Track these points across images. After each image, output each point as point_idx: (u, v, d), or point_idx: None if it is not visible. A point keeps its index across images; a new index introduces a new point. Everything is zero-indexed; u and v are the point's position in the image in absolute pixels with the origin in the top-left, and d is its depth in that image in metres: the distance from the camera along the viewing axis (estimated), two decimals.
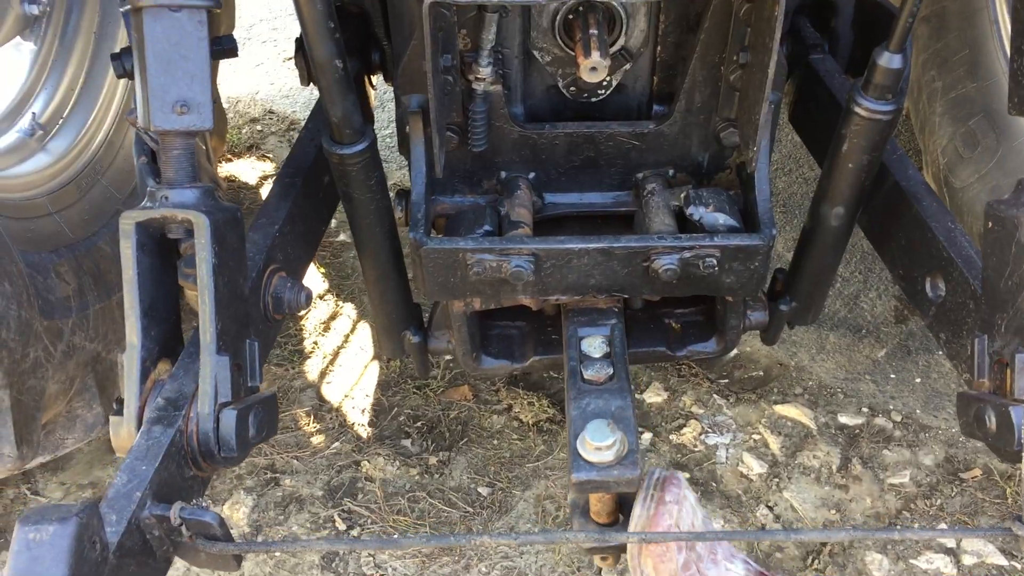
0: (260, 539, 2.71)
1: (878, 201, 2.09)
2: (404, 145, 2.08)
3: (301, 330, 3.34)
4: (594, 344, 1.88)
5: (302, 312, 2.55)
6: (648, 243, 1.89)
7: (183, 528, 1.41)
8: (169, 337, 1.67)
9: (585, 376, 1.78)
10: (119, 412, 1.58)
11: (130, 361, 1.57)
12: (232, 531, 2.70)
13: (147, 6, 1.54)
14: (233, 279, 1.66)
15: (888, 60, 1.66)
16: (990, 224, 1.63)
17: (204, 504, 1.48)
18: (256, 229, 1.99)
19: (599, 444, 1.59)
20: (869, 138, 1.77)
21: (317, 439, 2.99)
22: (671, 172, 2.08)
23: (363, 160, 1.85)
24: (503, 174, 2.08)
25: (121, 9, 1.62)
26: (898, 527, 2.67)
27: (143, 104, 1.57)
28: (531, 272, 1.88)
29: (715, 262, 1.89)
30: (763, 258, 1.92)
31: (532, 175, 2.08)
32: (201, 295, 1.55)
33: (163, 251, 1.64)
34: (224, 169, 4.10)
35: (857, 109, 1.74)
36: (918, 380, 3.11)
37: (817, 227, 1.99)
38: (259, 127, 4.40)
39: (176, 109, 1.56)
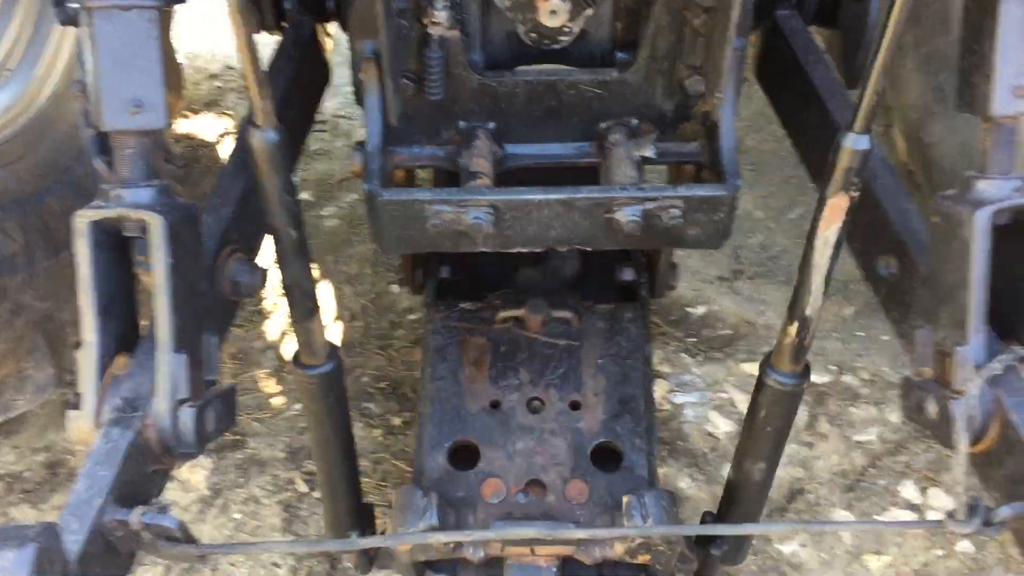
0: (219, 502, 2.66)
1: (832, 162, 2.07)
2: (359, 94, 2.00)
3: (259, 292, 3.27)
4: None
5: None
6: (610, 194, 1.83)
7: (145, 531, 1.41)
8: (126, 331, 1.64)
9: None
10: (76, 406, 1.55)
11: (87, 358, 1.54)
12: (191, 494, 2.66)
13: (98, 7, 1.50)
14: (190, 276, 1.62)
15: None
16: (936, 218, 1.63)
17: (165, 504, 1.45)
18: (210, 210, 1.93)
19: None
20: (784, 408, 1.79)
21: (278, 400, 2.93)
22: (635, 122, 2.02)
23: (325, 381, 1.82)
24: (462, 124, 2.00)
25: (70, 4, 1.57)
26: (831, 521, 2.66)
27: (95, 103, 1.54)
28: (490, 224, 1.82)
29: (679, 213, 1.84)
30: (728, 209, 1.87)
31: (492, 125, 2.01)
32: (157, 294, 1.53)
33: (118, 248, 1.60)
34: (182, 126, 3.99)
35: (769, 383, 1.75)
36: (885, 338, 3.10)
37: (742, 481, 1.98)
38: (218, 83, 4.29)
39: (129, 109, 1.54)
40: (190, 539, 1.45)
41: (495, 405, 2.15)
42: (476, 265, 2.58)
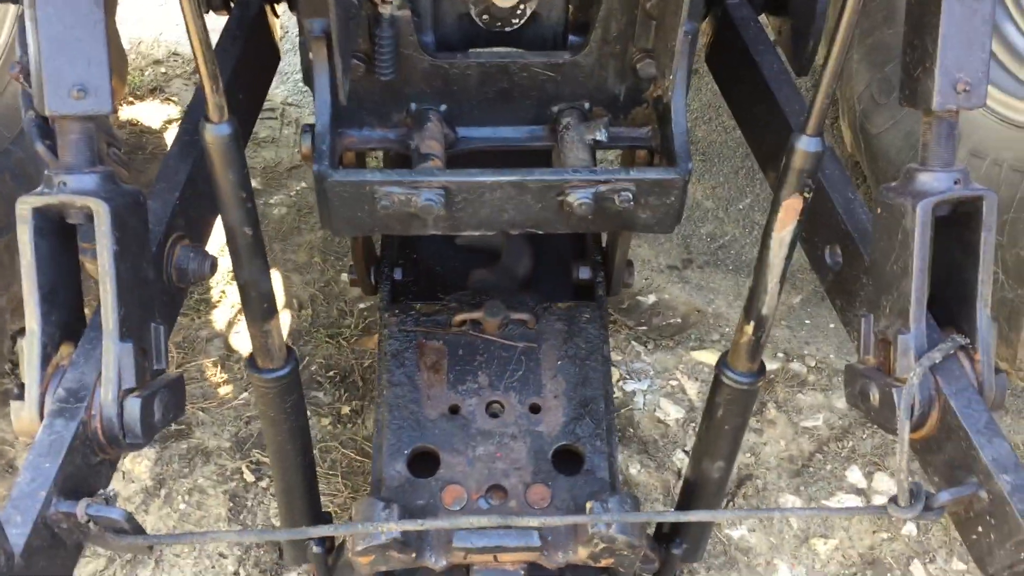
0: (163, 493, 2.60)
1: (785, 164, 2.09)
2: (308, 74, 1.97)
3: (207, 280, 3.21)
4: None
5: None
6: (562, 176, 1.82)
7: (91, 524, 1.39)
8: (71, 320, 1.61)
9: None
10: (20, 397, 1.52)
11: (30, 347, 1.51)
12: (133, 484, 2.60)
13: None
14: (136, 264, 1.59)
15: None
16: (879, 210, 1.66)
17: (111, 496, 1.43)
18: (155, 196, 1.88)
19: None
20: (741, 406, 1.82)
21: (224, 390, 2.88)
22: (587, 106, 2.01)
23: (282, 385, 1.80)
24: (413, 106, 1.98)
25: None
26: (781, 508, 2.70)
27: (38, 87, 1.50)
28: (442, 206, 1.80)
29: (631, 196, 1.83)
30: (679, 192, 1.87)
31: (444, 107, 1.98)
32: (102, 282, 1.50)
33: (62, 235, 1.57)
34: (126, 113, 3.90)
35: (726, 381, 1.78)
36: (832, 326, 3.14)
37: (699, 480, 2.01)
38: (163, 69, 4.19)
39: (73, 93, 1.50)
40: (138, 530, 1.43)
41: (454, 410, 2.13)
42: (430, 266, 2.56)
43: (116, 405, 1.48)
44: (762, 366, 1.76)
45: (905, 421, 1.47)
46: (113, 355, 1.49)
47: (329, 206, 1.83)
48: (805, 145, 1.52)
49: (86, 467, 1.47)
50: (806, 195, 1.55)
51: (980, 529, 1.48)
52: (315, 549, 2.09)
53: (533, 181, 1.82)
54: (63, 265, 1.57)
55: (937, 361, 1.52)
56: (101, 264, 1.49)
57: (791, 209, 1.56)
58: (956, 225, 1.62)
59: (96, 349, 1.52)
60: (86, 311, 1.64)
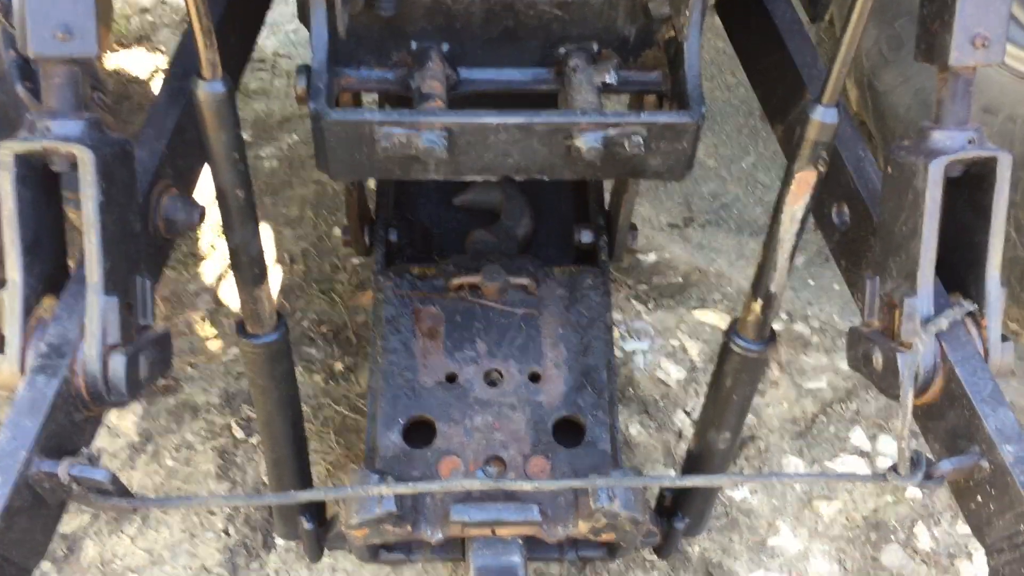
0: (150, 448, 2.53)
1: (793, 117, 2.01)
2: (304, 10, 1.87)
3: (195, 230, 3.12)
4: None
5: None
6: (571, 119, 1.74)
7: (74, 484, 1.34)
8: (53, 272, 1.55)
9: None
10: (0, 350, 1.47)
11: (11, 299, 1.46)
12: (119, 439, 2.53)
13: None
14: (122, 216, 1.52)
15: None
16: (889, 169, 1.61)
17: (94, 455, 1.38)
18: (142, 144, 1.80)
19: None
20: (750, 374, 1.74)
21: (213, 345, 2.80)
22: (595, 47, 1.92)
23: (272, 352, 1.71)
24: (414, 44, 1.89)
25: None
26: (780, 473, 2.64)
27: (21, 26, 1.43)
28: (444, 148, 1.72)
29: (641, 141, 1.75)
30: (692, 137, 1.79)
31: (446, 47, 1.89)
32: (86, 234, 1.44)
33: (46, 183, 1.51)
34: (112, 61, 3.78)
35: (735, 349, 1.69)
36: (836, 287, 3.07)
37: (704, 451, 1.92)
38: (150, 17, 4.07)
39: (58, 35, 1.43)
40: (123, 492, 1.38)
41: (451, 379, 2.05)
42: (426, 227, 2.47)
43: (100, 361, 1.43)
44: (772, 333, 1.69)
45: (908, 388, 1.42)
46: (97, 309, 1.43)
47: (326, 147, 1.75)
48: (821, 116, 1.43)
49: (69, 425, 1.42)
50: (820, 168, 1.47)
51: (980, 499, 1.44)
52: (306, 525, 2.02)
53: (540, 123, 1.73)
54: (46, 215, 1.52)
55: (944, 328, 1.47)
56: (85, 214, 1.43)
57: (804, 182, 1.48)
58: (968, 186, 1.57)
59: (80, 303, 1.46)
60: (70, 264, 1.58)
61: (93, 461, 1.36)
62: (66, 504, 1.43)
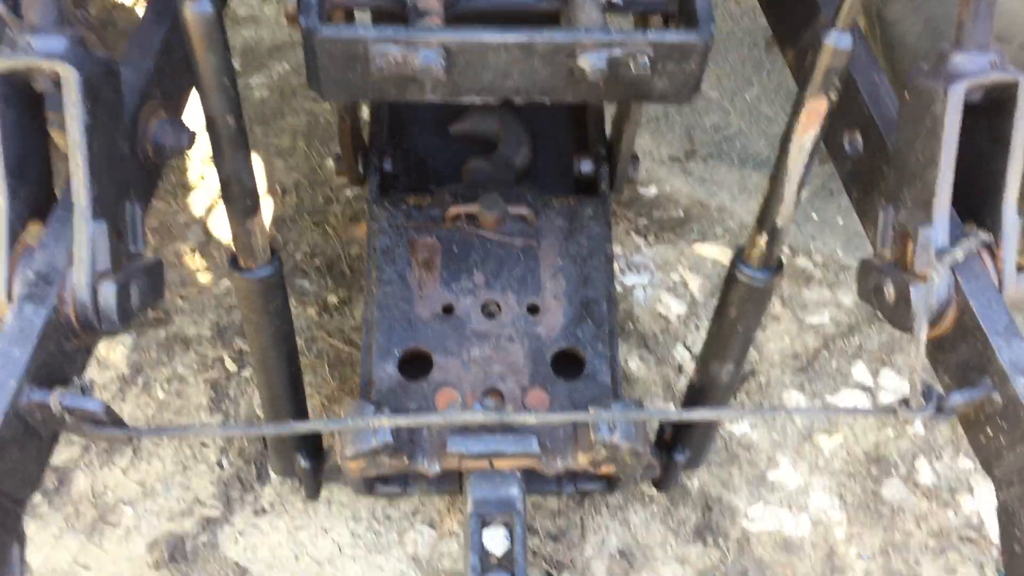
0: (141, 380, 2.49)
1: (805, 43, 1.93)
2: None
3: (184, 161, 3.04)
4: (496, 538, 1.81)
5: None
6: (574, 37, 1.66)
7: (66, 414, 1.31)
8: (39, 197, 1.49)
9: None
10: None
11: None
12: (109, 371, 2.49)
13: None
14: (109, 138, 1.46)
15: None
16: (906, 93, 1.54)
17: (86, 385, 1.34)
18: (127, 64, 1.72)
19: None
20: (755, 304, 1.67)
21: (204, 277, 2.74)
22: None
23: (265, 286, 1.64)
24: None
25: None
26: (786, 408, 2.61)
27: None
28: (442, 68, 1.64)
29: (647, 61, 1.68)
30: (700, 58, 1.71)
31: None
32: (72, 156, 1.38)
33: (29, 103, 1.44)
34: None
35: (741, 278, 1.63)
36: (840, 221, 3.02)
37: (707, 383, 1.86)
38: None
39: None
40: (116, 422, 1.34)
41: (448, 310, 2.00)
42: (421, 156, 2.40)
43: (90, 289, 1.38)
44: (779, 262, 1.64)
45: (923, 320, 1.38)
46: (86, 235, 1.38)
47: (318, 66, 1.67)
48: (835, 41, 1.35)
49: (59, 355, 1.38)
50: (832, 96, 1.40)
51: (990, 432, 1.41)
52: (303, 463, 1.98)
53: (542, 42, 1.66)
54: (30, 136, 1.45)
55: (959, 259, 1.43)
56: (70, 135, 1.37)
57: (815, 112, 1.41)
58: (987, 112, 1.51)
59: (67, 229, 1.41)
60: (57, 193, 1.52)
61: (85, 391, 1.32)
62: (59, 435, 1.41)
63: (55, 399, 1.29)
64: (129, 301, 1.44)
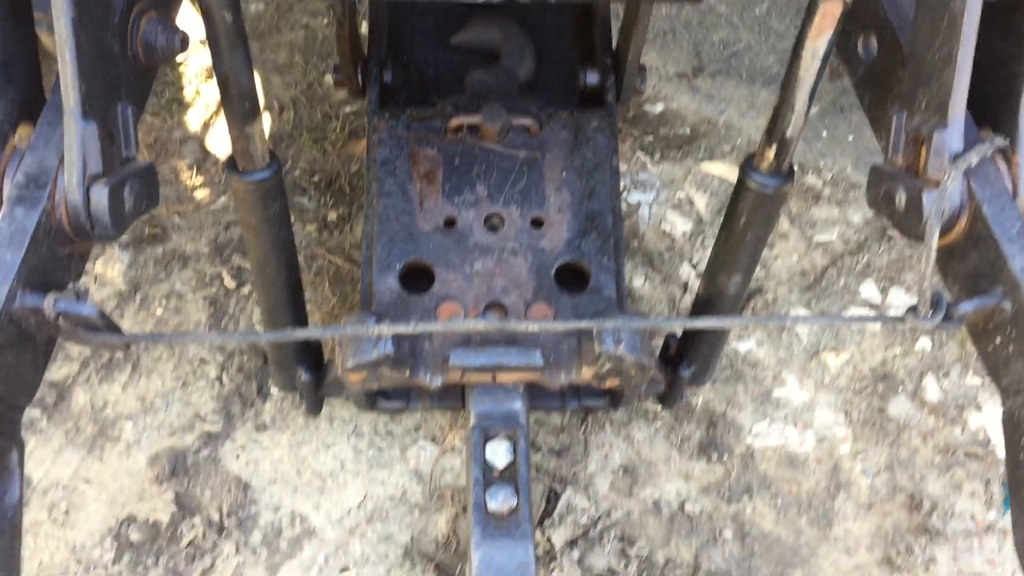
0: (138, 297, 2.45)
1: None
2: None
3: (179, 77, 2.96)
4: (499, 451, 1.79)
5: (179, 57, 2.25)
6: None
7: (61, 320, 1.29)
8: (27, 96, 1.46)
9: (490, 508, 1.72)
10: None
11: None
12: (106, 288, 2.45)
13: None
14: (98, 36, 1.41)
15: None
16: None
17: (81, 291, 1.31)
18: None
19: None
20: (766, 212, 1.61)
21: (201, 193, 2.69)
22: None
23: (265, 190, 1.58)
24: None
25: None
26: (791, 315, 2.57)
27: None
28: None
29: None
30: None
31: None
32: (60, 54, 1.33)
33: (15, 2, 1.41)
34: None
35: (751, 185, 1.56)
36: (850, 138, 2.95)
37: (714, 295, 1.81)
38: None
39: None
40: (112, 327, 1.33)
41: (450, 223, 1.95)
42: (422, 67, 2.33)
43: (82, 192, 1.35)
44: (791, 169, 1.58)
45: (935, 226, 1.34)
46: (76, 135, 1.34)
47: None
48: None
49: (52, 260, 1.36)
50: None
51: (999, 341, 1.39)
52: (303, 377, 1.96)
53: None
54: (18, 35, 1.42)
55: (973, 164, 1.39)
56: (58, 32, 1.32)
57: (830, 14, 1.34)
58: (1006, 11, 1.45)
59: (57, 130, 1.38)
60: (47, 96, 1.47)
61: (80, 296, 1.30)
62: (55, 342, 1.39)
63: (49, 304, 1.27)
64: (122, 206, 1.42)
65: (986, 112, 1.50)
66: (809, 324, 2.52)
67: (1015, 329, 1.36)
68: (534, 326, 1.74)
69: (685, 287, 2.58)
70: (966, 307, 1.37)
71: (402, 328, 1.68)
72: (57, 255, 1.37)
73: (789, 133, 1.48)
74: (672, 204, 2.76)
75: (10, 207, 1.33)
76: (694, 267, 2.62)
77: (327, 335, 2.13)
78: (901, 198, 1.46)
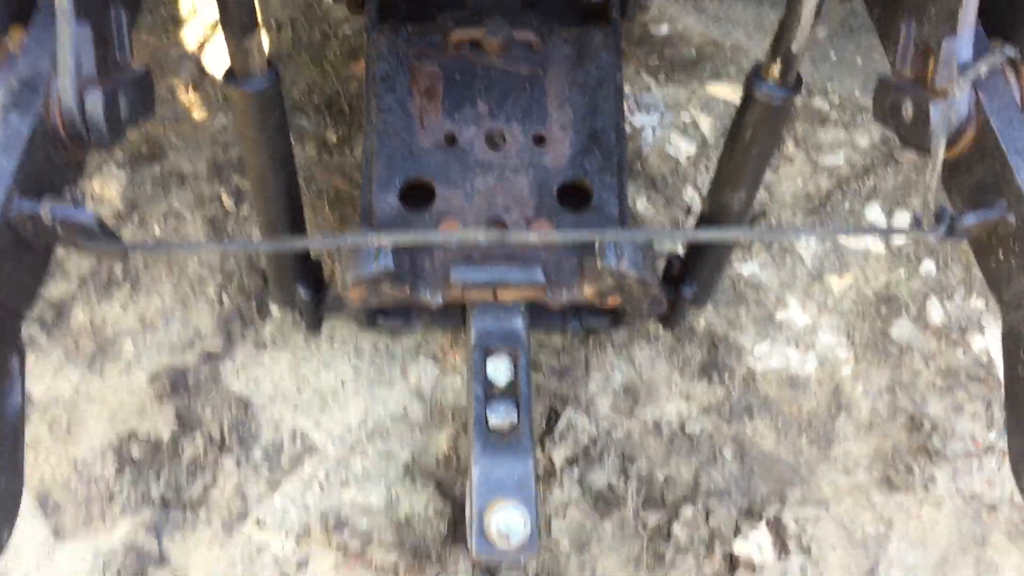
0: (136, 216, 2.43)
1: None
2: None
3: None
4: (500, 368, 1.78)
5: None
6: None
7: (58, 227, 1.28)
8: (19, 1, 1.44)
9: (491, 423, 1.72)
10: None
11: None
12: (104, 207, 2.43)
13: None
14: None
15: None
16: None
17: (78, 195, 1.30)
18: None
19: (504, 533, 1.63)
20: (772, 124, 1.58)
21: (199, 113, 2.65)
22: None
23: (263, 100, 1.54)
24: None
25: None
26: (820, 224, 2.54)
27: None
28: None
29: None
30: None
31: None
32: None
33: None
34: None
35: (757, 96, 1.53)
36: (858, 60, 2.89)
37: (718, 211, 1.76)
38: None
39: None
40: (109, 235, 1.32)
41: (450, 140, 1.93)
42: None
43: (76, 95, 1.34)
44: (799, 79, 1.55)
45: (941, 137, 1.33)
46: (69, 38, 1.32)
47: None
48: None
49: (48, 166, 1.34)
50: None
51: (1001, 255, 1.38)
52: (303, 294, 1.94)
53: None
54: None
55: (982, 74, 1.36)
56: None
57: None
58: None
59: (50, 34, 1.35)
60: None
61: (77, 202, 1.29)
62: (52, 249, 1.38)
63: (46, 210, 1.26)
64: (118, 112, 1.40)
65: (997, 25, 1.47)
66: (812, 246, 2.50)
67: (1018, 243, 1.35)
68: (534, 236, 1.72)
69: (688, 210, 2.56)
70: (970, 220, 1.36)
71: (402, 238, 1.66)
72: (54, 161, 1.36)
73: (796, 43, 1.44)
74: (676, 127, 2.72)
75: (4, 112, 1.31)
76: (698, 190, 2.59)
77: (326, 245, 2.11)
78: (908, 109, 1.44)
